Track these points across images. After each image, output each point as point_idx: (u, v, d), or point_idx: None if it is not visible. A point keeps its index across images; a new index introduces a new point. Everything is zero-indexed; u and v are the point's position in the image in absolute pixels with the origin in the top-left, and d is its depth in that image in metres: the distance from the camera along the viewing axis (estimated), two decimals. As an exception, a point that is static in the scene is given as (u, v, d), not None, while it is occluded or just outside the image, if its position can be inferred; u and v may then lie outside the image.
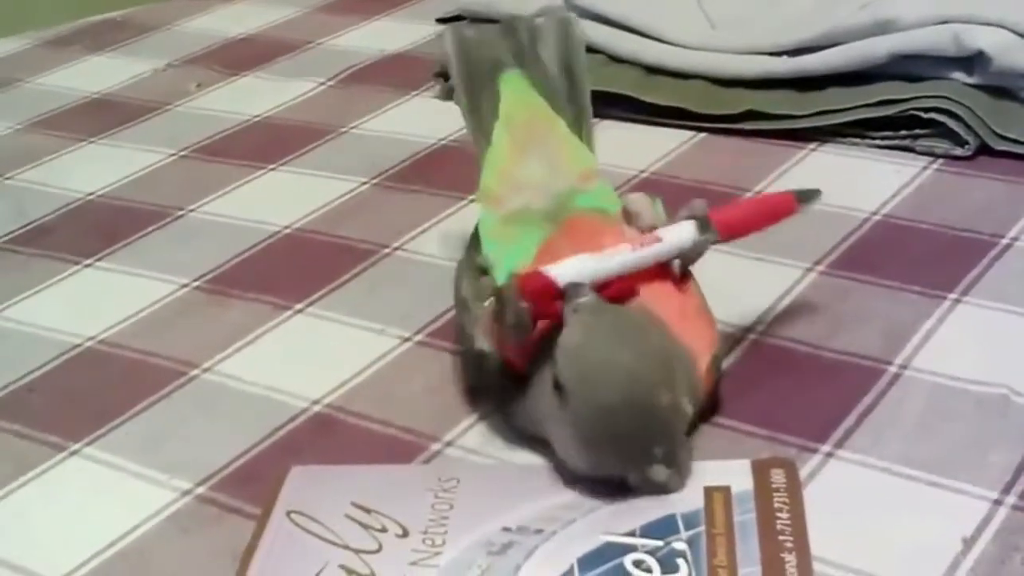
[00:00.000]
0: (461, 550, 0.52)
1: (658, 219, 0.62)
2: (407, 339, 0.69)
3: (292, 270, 0.77)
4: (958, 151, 0.82)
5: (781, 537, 0.51)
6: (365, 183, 0.86)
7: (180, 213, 0.85)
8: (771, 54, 0.90)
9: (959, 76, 0.84)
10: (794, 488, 0.54)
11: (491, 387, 0.61)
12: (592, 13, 0.97)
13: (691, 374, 0.55)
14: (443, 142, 0.91)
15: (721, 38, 0.93)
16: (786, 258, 0.70)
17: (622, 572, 0.50)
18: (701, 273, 0.62)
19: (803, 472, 0.56)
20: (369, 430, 0.62)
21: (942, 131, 0.82)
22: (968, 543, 0.52)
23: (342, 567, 0.52)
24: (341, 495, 0.56)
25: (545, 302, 0.56)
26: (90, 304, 0.76)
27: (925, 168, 0.81)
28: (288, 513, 0.55)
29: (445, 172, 0.87)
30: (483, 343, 0.59)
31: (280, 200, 0.85)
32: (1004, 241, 0.72)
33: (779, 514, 0.53)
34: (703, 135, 0.88)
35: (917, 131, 0.83)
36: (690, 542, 0.51)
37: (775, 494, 0.54)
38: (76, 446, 0.63)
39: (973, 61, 0.84)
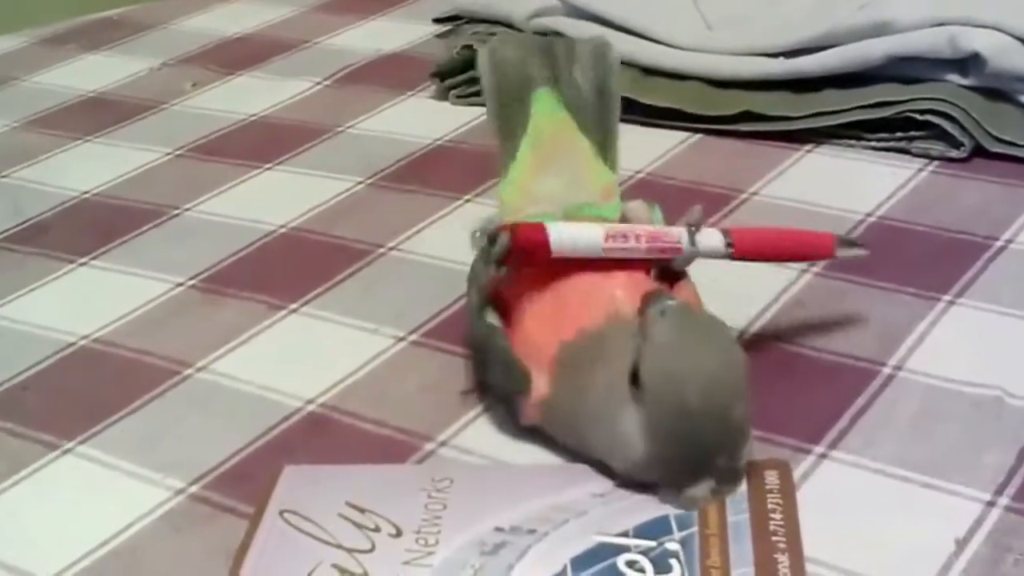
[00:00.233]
0: (454, 550, 0.52)
1: (657, 225, 0.62)
2: (401, 339, 0.69)
3: (287, 269, 0.77)
4: (953, 153, 0.82)
5: (774, 538, 0.51)
6: (360, 183, 0.86)
7: (175, 212, 0.85)
8: (767, 55, 0.90)
9: (955, 78, 0.84)
10: (788, 489, 0.54)
11: (498, 377, 0.61)
12: (588, 14, 0.97)
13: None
14: (439, 142, 0.91)
15: (717, 39, 0.93)
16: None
17: (615, 572, 0.50)
18: (697, 273, 0.62)
19: (797, 473, 0.56)
20: (363, 430, 0.62)
21: (938, 133, 0.82)
22: (961, 544, 0.52)
23: (335, 566, 0.52)
24: (334, 494, 0.56)
25: (532, 250, 0.59)
26: (85, 303, 0.76)
27: (920, 170, 0.81)
28: (281, 512, 0.55)
29: (440, 172, 0.87)
30: (492, 317, 0.60)
31: (275, 199, 0.85)
32: (999, 243, 0.73)
33: (772, 515, 0.53)
34: (699, 136, 0.88)
35: (913, 133, 0.83)
36: (683, 543, 0.51)
37: (768, 495, 0.54)
38: (70, 445, 0.63)
39: (969, 63, 0.84)
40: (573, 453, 0.58)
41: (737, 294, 0.67)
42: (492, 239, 0.60)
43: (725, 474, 0.53)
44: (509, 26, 1.00)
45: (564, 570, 0.51)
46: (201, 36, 1.16)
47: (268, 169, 0.90)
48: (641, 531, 0.52)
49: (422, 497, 0.55)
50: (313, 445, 0.62)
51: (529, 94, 0.65)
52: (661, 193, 0.67)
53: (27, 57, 1.15)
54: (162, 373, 0.68)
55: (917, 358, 0.63)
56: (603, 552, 0.51)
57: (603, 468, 0.56)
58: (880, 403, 0.61)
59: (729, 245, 0.61)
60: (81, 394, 0.68)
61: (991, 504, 0.54)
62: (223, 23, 1.18)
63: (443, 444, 0.61)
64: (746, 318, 0.67)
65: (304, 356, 0.69)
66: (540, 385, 0.58)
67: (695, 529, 0.52)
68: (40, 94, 1.07)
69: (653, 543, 0.51)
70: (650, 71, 0.92)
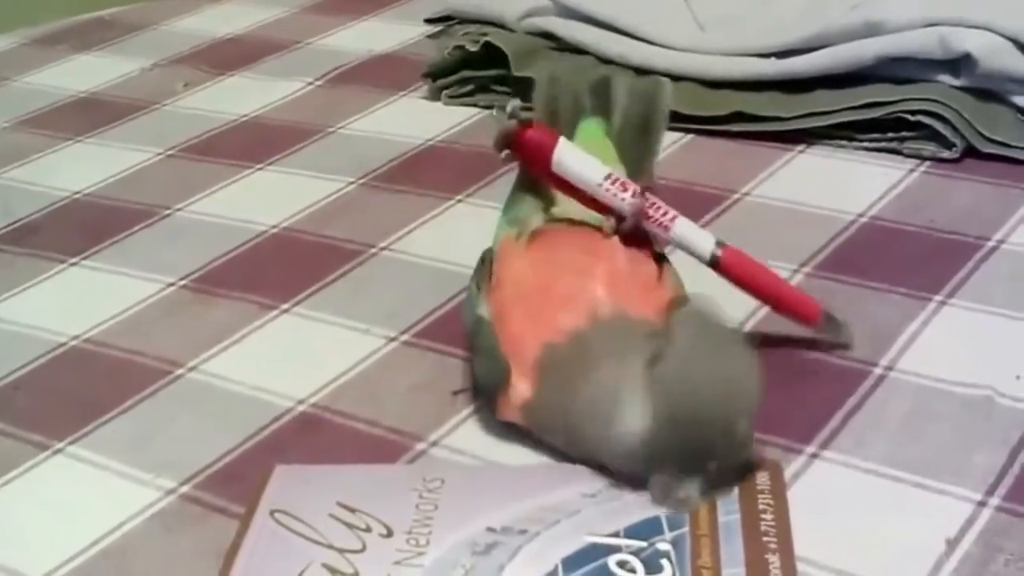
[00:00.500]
0: (445, 550, 0.52)
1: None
2: (393, 339, 0.69)
3: (278, 270, 0.77)
4: (945, 153, 0.82)
5: (765, 538, 0.51)
6: (352, 183, 0.86)
7: (167, 212, 0.85)
8: (759, 56, 0.90)
9: (946, 79, 0.84)
10: (779, 489, 0.54)
11: (481, 368, 0.61)
12: (580, 14, 0.97)
13: None
14: (430, 142, 0.91)
15: (709, 40, 0.93)
16: (773, 259, 0.70)
17: (606, 573, 0.50)
18: (689, 275, 0.62)
19: (788, 473, 0.56)
20: (354, 430, 0.62)
21: (929, 133, 0.82)
22: (952, 544, 0.52)
23: (326, 566, 0.52)
24: (325, 494, 0.56)
25: (535, 148, 0.62)
26: (76, 303, 0.76)
27: (912, 170, 0.81)
28: (272, 512, 0.55)
29: (432, 172, 0.87)
30: (484, 310, 0.60)
31: (267, 200, 0.85)
32: (990, 243, 0.73)
33: (763, 515, 0.53)
34: (691, 136, 0.88)
35: (904, 133, 0.83)
36: (674, 543, 0.51)
37: (759, 495, 0.54)
38: (61, 445, 0.63)
39: (960, 64, 0.84)
40: (560, 453, 0.58)
41: (729, 292, 0.67)
42: (511, 117, 0.62)
43: (715, 479, 0.53)
44: (501, 27, 1.00)
45: (555, 570, 0.51)
46: (193, 37, 1.16)
47: (259, 169, 0.90)
48: (632, 531, 0.52)
49: (413, 497, 0.55)
50: (304, 445, 0.62)
51: (576, 121, 0.68)
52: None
53: (18, 57, 1.15)
54: (153, 373, 0.68)
55: (908, 358, 0.63)
56: (594, 552, 0.51)
57: (594, 468, 0.56)
58: (871, 403, 0.61)
59: (717, 252, 0.63)
60: (72, 394, 0.68)
61: (982, 504, 0.54)
62: (215, 24, 1.18)
63: (434, 444, 0.61)
64: (738, 318, 0.67)
65: (295, 356, 0.69)
66: (522, 389, 0.58)
67: (686, 529, 0.52)
68: (31, 94, 1.07)
69: (644, 543, 0.51)
70: (642, 71, 0.92)
